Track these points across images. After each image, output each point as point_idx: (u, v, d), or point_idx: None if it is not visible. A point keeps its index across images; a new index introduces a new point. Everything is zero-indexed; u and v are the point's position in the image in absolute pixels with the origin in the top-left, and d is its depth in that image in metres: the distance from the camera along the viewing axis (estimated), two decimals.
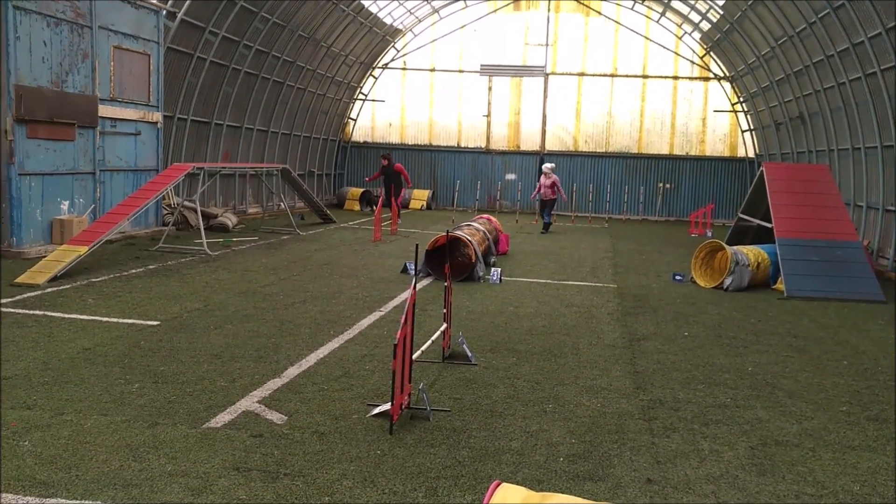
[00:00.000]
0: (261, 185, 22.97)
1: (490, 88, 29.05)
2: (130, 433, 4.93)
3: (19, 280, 10.04)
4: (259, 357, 6.90)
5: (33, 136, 12.86)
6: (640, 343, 8.13)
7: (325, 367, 6.68)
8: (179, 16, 17.04)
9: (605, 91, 28.51)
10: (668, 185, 28.18)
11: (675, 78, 28.03)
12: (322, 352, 7.19)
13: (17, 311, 8.48)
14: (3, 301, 8.90)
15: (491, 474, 4.57)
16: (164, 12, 16.35)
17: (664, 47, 27.86)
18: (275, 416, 5.35)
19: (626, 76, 28.31)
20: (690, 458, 5.00)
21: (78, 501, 3.95)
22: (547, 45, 28.56)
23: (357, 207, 26.78)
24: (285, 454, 4.70)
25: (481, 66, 28.36)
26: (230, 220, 18.08)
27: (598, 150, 28.77)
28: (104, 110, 14.61)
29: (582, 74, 28.55)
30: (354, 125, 30.22)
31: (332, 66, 26.36)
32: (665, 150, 28.40)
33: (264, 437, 4.97)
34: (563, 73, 28.65)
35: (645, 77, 28.24)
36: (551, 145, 29.03)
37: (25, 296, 9.28)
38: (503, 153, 29.23)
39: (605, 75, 28.44)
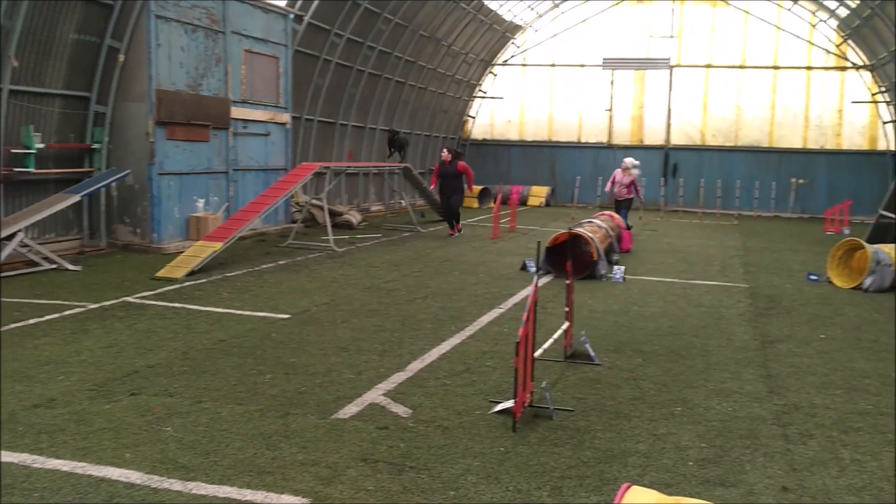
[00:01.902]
0: (383, 184, 23.43)
1: (612, 82, 28.53)
2: (263, 422, 5.12)
3: (159, 274, 10.63)
4: (384, 351, 7.03)
5: (172, 138, 13.59)
6: (774, 345, 7.78)
7: (447, 363, 6.73)
8: (306, 19, 17.59)
9: (733, 83, 27.46)
10: (801, 181, 26.86)
11: (809, 68, 26.68)
12: (444, 347, 7.25)
13: (157, 303, 8.98)
14: (145, 294, 9.44)
15: (617, 476, 4.48)
16: (292, 16, 16.92)
17: (797, 36, 26.57)
18: (400, 409, 5.44)
19: (756, 67, 27.18)
20: (829, 466, 4.74)
21: (216, 486, 4.14)
22: (672, 36, 27.78)
23: (476, 205, 26.87)
24: (410, 447, 4.77)
25: (604, 59, 27.89)
26: (354, 217, 18.53)
27: (726, 145, 27.77)
28: (236, 112, 15.26)
29: (709, 66, 27.62)
30: (473, 123, 30.35)
31: (452, 64, 26.57)
32: (798, 144, 27.09)
33: (390, 429, 5.06)
34: (688, 66, 27.80)
35: (776, 68, 27.02)
36: (677, 139, 28.23)
37: (165, 289, 9.81)
38: (626, 148, 28.64)
39: (733, 67, 27.41)
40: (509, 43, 29.31)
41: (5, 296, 9.07)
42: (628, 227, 16.73)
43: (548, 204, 28.08)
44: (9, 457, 4.46)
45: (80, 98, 12.82)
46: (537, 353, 6.02)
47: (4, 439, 4.72)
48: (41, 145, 11.89)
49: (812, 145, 26.90)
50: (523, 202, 27.71)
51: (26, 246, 10.96)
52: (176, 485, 4.14)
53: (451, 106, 28.30)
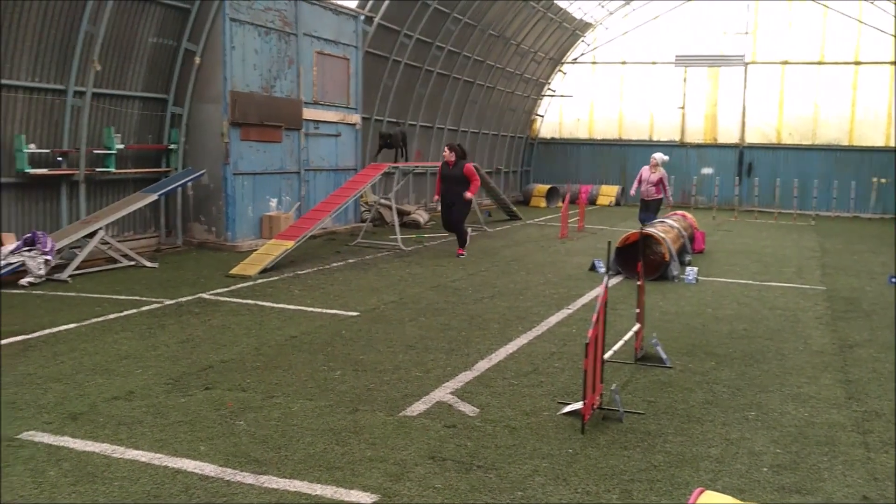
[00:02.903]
0: None
1: (685, 80, 28.00)
2: (333, 418, 5.19)
3: (233, 271, 10.88)
4: (451, 349, 7.05)
5: (246, 139, 13.88)
6: (853, 350, 7.52)
7: (515, 363, 6.71)
8: (376, 20, 17.76)
9: (810, 79, 26.64)
10: (883, 180, 25.86)
11: (894, 64, 25.67)
12: (511, 347, 7.23)
13: (231, 300, 9.19)
14: (219, 290, 9.67)
15: (689, 481, 4.39)
16: (363, 17, 17.10)
17: (880, 30, 25.59)
18: (467, 408, 5.44)
19: (836, 63, 26.30)
20: None
21: (287, 480, 4.21)
22: (746, 33, 27.10)
23: (543, 204, 26.72)
24: (478, 446, 4.77)
25: (676, 56, 27.37)
26: (422, 216, 18.63)
27: (803, 143, 26.95)
28: (308, 113, 15.50)
29: (785, 63, 26.86)
30: (542, 122, 30.18)
31: (520, 63, 26.48)
32: (880, 142, 26.10)
33: (457, 427, 5.07)
34: (764, 62, 27.09)
35: (857, 63, 26.10)
36: (752, 138, 27.54)
37: (239, 286, 10.04)
38: (699, 146, 28.09)
39: (810, 63, 26.58)
40: (579, 41, 29.05)
41: (88, 291, 9.41)
42: None
43: (618, 203, 27.73)
44: (91, 446, 4.62)
45: (158, 100, 13.22)
46: (607, 355, 5.95)
47: (87, 430, 4.89)
48: (121, 146, 12.30)
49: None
50: (592, 201, 27.43)
51: (106, 243, 11.35)
52: (248, 478, 4.23)
53: (519, 105, 28.21)
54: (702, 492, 2.87)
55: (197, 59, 13.28)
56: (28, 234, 10.20)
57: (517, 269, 12.04)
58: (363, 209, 17.73)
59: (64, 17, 11.09)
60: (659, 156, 15.51)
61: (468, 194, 12.98)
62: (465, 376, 6.23)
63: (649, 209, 15.50)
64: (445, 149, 13.25)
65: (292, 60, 14.94)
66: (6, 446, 4.60)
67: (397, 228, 14.56)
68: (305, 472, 4.30)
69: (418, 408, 5.44)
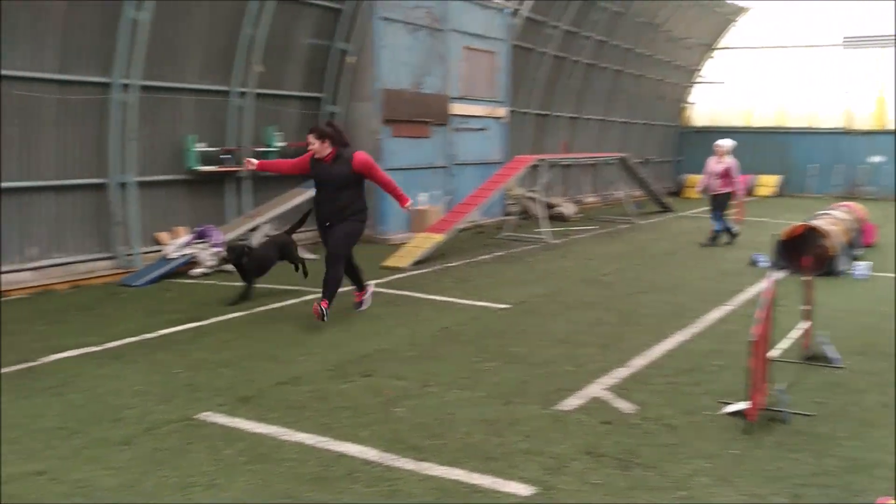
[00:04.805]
0: (598, 175, 23.12)
1: (851, 62, 26.21)
2: (488, 409, 5.23)
3: (386, 263, 11.18)
4: (604, 345, 6.94)
5: (397, 135, 14.21)
6: None
7: (672, 360, 6.52)
8: (523, 13, 17.71)
9: None
10: None
11: None
12: (667, 344, 7.03)
13: (385, 290, 9.44)
14: (374, 282, 9.94)
15: (866, 488, 4.12)
16: (510, 11, 17.10)
17: None
18: (624, 405, 5.34)
19: None
20: None
21: (446, 468, 4.28)
22: None
23: (696, 195, 25.74)
24: (637, 444, 4.66)
25: (844, 38, 25.66)
26: (569, 209, 18.44)
27: None
28: (455, 108, 15.66)
29: None
30: (693, 110, 29.13)
31: (671, 50, 25.67)
32: None
33: (614, 424, 4.98)
34: None
35: None
36: None
37: (392, 278, 10.30)
38: (868, 133, 26.22)
39: None
40: (732, 25, 27.80)
41: (263, 281, 9.92)
42: (730, 234, 13.84)
43: (779, 194, 26.35)
44: (261, 428, 4.88)
45: (314, 99, 13.75)
46: (773, 354, 5.67)
47: (258, 412, 5.17)
48: (282, 144, 12.89)
49: None
50: (750, 192, 26.19)
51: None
52: (409, 464, 4.33)
53: (669, 93, 27.36)
54: (886, 502, 2.69)
55: (351, 59, 13.71)
56: (198, 228, 10.89)
57: (670, 263, 11.70)
58: (509, 202, 17.75)
59: (227, 22, 11.74)
60: (726, 142, 13.90)
61: (408, 202, 7.89)
62: (621, 372, 6.12)
63: (716, 205, 13.72)
64: (309, 136, 7.59)
65: (441, 56, 15.14)
66: (185, 425, 4.93)
67: (544, 221, 14.47)
68: (463, 461, 4.36)
69: (573, 402, 5.38)
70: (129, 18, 10.15)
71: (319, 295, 7.64)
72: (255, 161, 7.88)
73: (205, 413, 5.14)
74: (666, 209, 20.28)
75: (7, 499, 3.90)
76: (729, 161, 13.61)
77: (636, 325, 7.73)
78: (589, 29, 20.57)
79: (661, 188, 22.62)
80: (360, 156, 7.64)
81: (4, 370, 6.11)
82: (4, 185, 9.37)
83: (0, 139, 9.27)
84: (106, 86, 10.29)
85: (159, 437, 4.72)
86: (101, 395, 5.54)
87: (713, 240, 13.77)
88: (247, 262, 8.63)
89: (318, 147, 7.52)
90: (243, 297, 8.61)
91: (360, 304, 8.30)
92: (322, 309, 7.43)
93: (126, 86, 10.40)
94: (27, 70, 9.42)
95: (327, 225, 7.69)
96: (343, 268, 7.74)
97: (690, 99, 28.95)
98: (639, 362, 6.40)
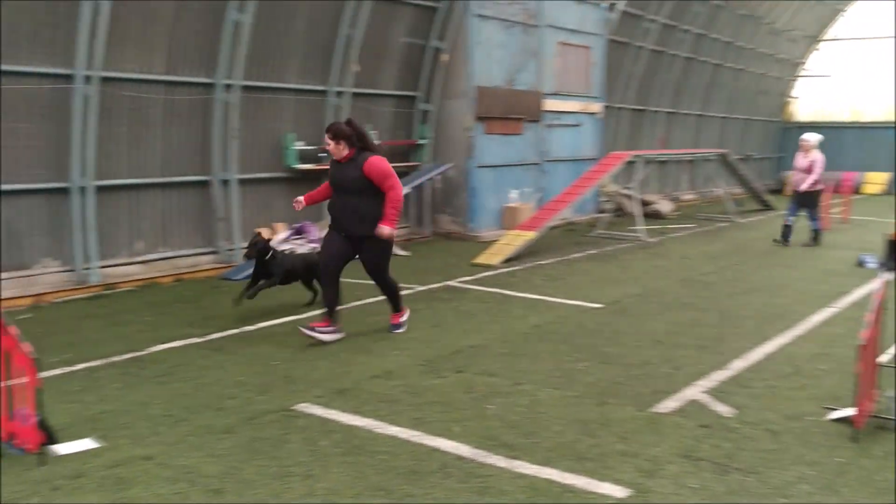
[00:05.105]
0: (696, 171, 22.54)
1: None
2: (581, 409, 5.17)
3: (477, 260, 11.20)
4: (702, 347, 6.76)
5: (489, 132, 14.21)
6: None
7: (773, 363, 6.30)
8: (620, 7, 17.42)
9: None
10: None
11: None
12: (768, 346, 6.79)
13: (476, 287, 9.47)
14: (465, 279, 9.99)
15: None
16: (606, 5, 16.85)
17: None
18: (722, 409, 5.19)
19: None
20: None
21: (539, 467, 4.25)
22: None
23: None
24: (735, 448, 4.53)
25: None
26: (665, 206, 18.06)
27: None
28: (548, 104, 15.54)
29: None
30: (797, 104, 28.03)
31: (773, 43, 24.79)
32: None
33: (712, 428, 4.85)
34: None
35: None
36: None
37: (482, 275, 10.31)
38: None
39: None
40: (839, 15, 26.61)
41: (348, 276, 10.10)
42: (814, 235, 13.01)
43: (888, 192, 25.07)
44: (356, 420, 4.97)
45: (408, 97, 13.89)
46: (883, 359, 5.41)
47: (353, 405, 5.26)
48: (377, 142, 13.05)
49: None
50: (857, 190, 25.04)
51: None
52: (501, 461, 4.33)
53: (771, 87, 26.41)
54: None
55: (444, 57, 13.79)
56: (296, 224, 11.17)
57: (772, 263, 11.30)
58: (603, 199, 17.51)
59: (325, 23, 11.98)
60: (812, 136, 13.15)
61: (384, 226, 6.80)
62: (719, 375, 5.95)
63: (803, 202, 12.95)
64: (326, 134, 6.91)
65: (535, 52, 15.05)
66: (283, 415, 5.07)
67: (639, 219, 14.21)
68: (556, 461, 4.33)
69: (669, 405, 5.27)
70: (232, 20, 10.50)
71: (412, 289, 7.69)
72: (301, 199, 7.17)
73: (302, 404, 5.28)
74: (767, 207, 19.59)
75: (117, 481, 4.10)
76: (815, 156, 12.92)
77: (735, 326, 7.50)
78: (688, 22, 20.07)
79: (762, 185, 21.88)
80: (375, 160, 6.76)
81: (115, 358, 6.43)
82: (115, 182, 9.85)
83: (109, 137, 9.75)
84: (209, 86, 10.67)
85: (259, 427, 4.87)
86: (204, 384, 5.75)
87: (814, 239, 13.14)
88: (271, 261, 7.79)
89: (334, 148, 6.82)
90: (251, 295, 7.77)
91: (396, 326, 7.35)
92: (397, 323, 7.30)
93: (228, 86, 10.76)
94: (136, 72, 9.87)
95: (345, 233, 6.94)
96: (391, 278, 7.27)
97: (794, 93, 27.87)
98: (738, 365, 6.21)
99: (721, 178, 18.77)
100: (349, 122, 6.88)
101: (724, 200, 17.82)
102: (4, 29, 8.58)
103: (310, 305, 8.27)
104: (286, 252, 8.52)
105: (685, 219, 17.32)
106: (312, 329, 6.86)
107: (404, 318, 7.36)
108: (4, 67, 8.67)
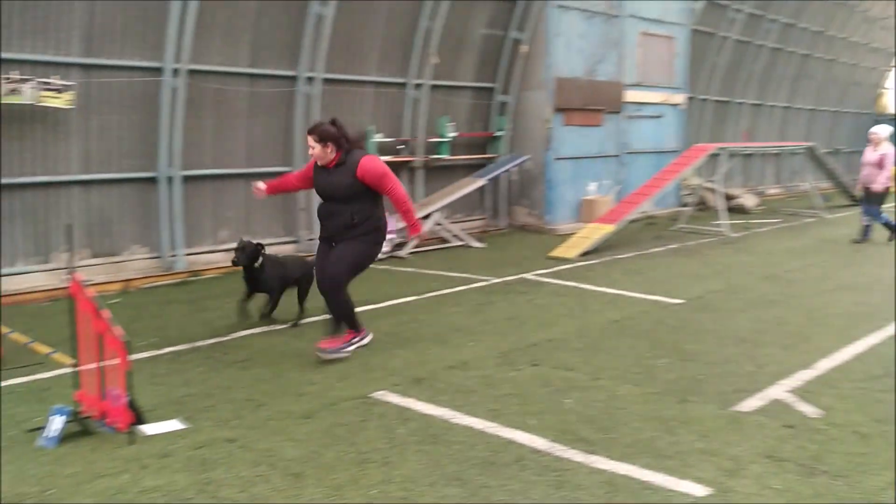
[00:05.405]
0: (782, 165, 21.85)
1: None
2: (660, 406, 5.08)
3: (553, 253, 11.12)
4: (787, 345, 6.55)
5: (568, 124, 14.07)
6: None
7: (863, 364, 6.05)
8: None
9: None
10: None
11: None
12: (858, 346, 6.53)
13: (552, 281, 9.40)
14: (541, 272, 9.93)
15: None
16: None
17: None
18: (808, 409, 5.02)
19: None
20: None
21: (616, 462, 4.20)
22: None
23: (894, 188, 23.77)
24: (822, 450, 4.37)
25: None
26: (749, 201, 17.57)
27: None
28: (629, 95, 15.29)
29: None
30: (890, 96, 26.85)
31: (867, 31, 23.78)
32: None
33: (797, 428, 4.69)
34: None
35: None
36: None
37: (559, 268, 10.23)
38: None
39: None
40: None
41: (424, 267, 10.19)
42: (891, 229, 12.29)
43: None
44: (432, 410, 5.00)
45: (486, 89, 13.86)
46: None
47: (429, 394, 5.30)
48: (454, 134, 13.10)
49: None
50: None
51: (440, 224, 12.18)
52: (577, 456, 4.29)
53: (864, 78, 25.37)
54: None
55: (524, 48, 13.70)
56: None
57: (862, 261, 10.87)
58: (685, 193, 17.14)
59: (405, 15, 12.04)
60: (882, 129, 12.35)
61: (414, 225, 6.36)
62: (804, 375, 5.75)
63: (871, 199, 12.22)
64: (310, 138, 6.02)
65: (616, 43, 14.82)
66: (361, 402, 5.14)
67: (723, 213, 13.85)
68: (634, 457, 4.26)
69: (752, 404, 5.13)
70: (314, 14, 10.66)
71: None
72: (262, 184, 6.45)
73: (379, 392, 5.34)
74: (856, 202, 18.81)
75: (202, 462, 4.22)
76: (886, 149, 12.17)
77: (822, 325, 7.24)
78: (775, 12, 19.43)
79: (851, 180, 21.01)
80: (368, 161, 5.99)
81: (199, 343, 6.63)
82: (201, 172, 10.14)
83: (195, 129, 10.04)
84: (292, 79, 10.87)
85: (338, 413, 4.95)
86: (285, 370, 5.88)
87: (866, 233, 12.44)
88: (262, 267, 6.89)
89: (320, 152, 5.97)
90: (244, 313, 7.00)
91: (331, 350, 6.11)
92: (328, 350, 6.08)
93: (310, 79, 10.94)
94: (221, 65, 10.11)
95: (331, 241, 6.17)
96: (346, 295, 6.17)
97: (887, 84, 26.69)
98: (825, 365, 6.00)
99: (808, 172, 18.15)
100: (334, 122, 6.05)
101: (811, 195, 17.22)
102: (98, 24, 8.92)
103: (296, 326, 7.20)
104: (280, 258, 7.52)
105: (770, 214, 16.82)
106: (331, 350, 6.10)
107: (345, 346, 6.18)
108: (97, 61, 9.02)
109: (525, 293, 8.70)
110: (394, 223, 11.03)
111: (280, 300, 7.20)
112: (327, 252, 6.17)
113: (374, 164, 6.03)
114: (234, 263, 6.89)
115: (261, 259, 6.90)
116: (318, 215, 6.26)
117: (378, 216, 6.14)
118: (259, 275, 6.91)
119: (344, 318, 6.19)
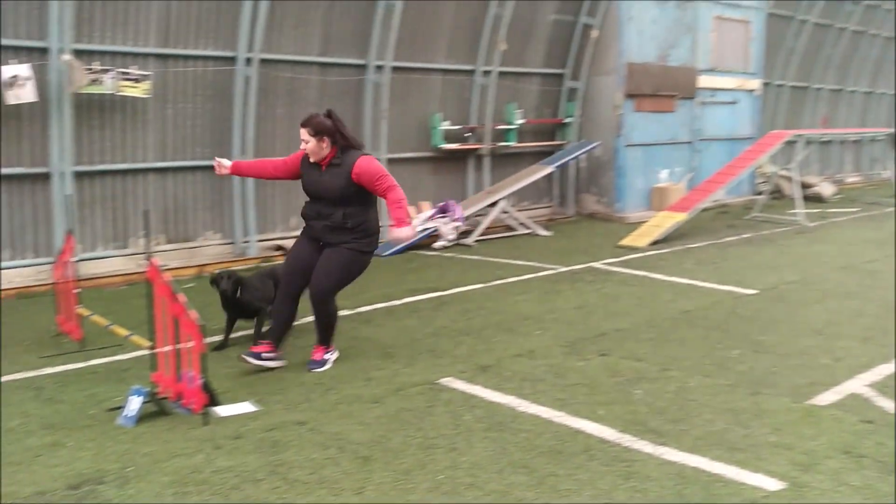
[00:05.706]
0: (862, 152, 21.07)
1: None
2: (732, 398, 4.97)
3: (623, 242, 10.97)
4: (866, 338, 6.33)
5: (639, 110, 13.84)
6: None
7: None
8: None
9: None
10: None
11: None
12: None
13: (621, 270, 9.28)
14: (610, 260, 9.81)
15: None
16: None
17: None
18: (888, 404, 4.84)
19: None
20: None
21: (686, 454, 4.13)
22: None
23: None
24: None
25: None
26: (827, 189, 17.00)
27: None
28: (702, 80, 14.94)
29: None
30: None
31: None
32: None
33: (876, 424, 4.54)
34: None
35: None
36: None
37: (628, 257, 10.09)
38: None
39: None
40: None
41: (490, 255, 10.18)
42: None
43: None
44: (499, 397, 5.00)
45: (555, 75, 13.72)
46: None
47: (495, 382, 5.30)
48: (522, 121, 13.02)
49: None
50: None
51: (506, 212, 12.13)
52: (647, 447, 4.23)
53: None
54: None
55: (594, 33, 13.51)
56: (441, 203, 11.31)
57: None
58: (759, 181, 16.68)
59: (475, 3, 11.98)
60: None
61: (403, 228, 5.67)
62: (884, 369, 5.55)
63: None
64: (303, 131, 5.47)
65: (689, 28, 14.49)
66: (428, 388, 5.17)
67: (799, 202, 13.44)
68: (705, 449, 4.19)
69: (828, 397, 4.97)
70: (383, 3, 10.71)
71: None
72: (227, 162, 5.96)
73: (446, 378, 5.36)
74: None
75: (273, 444, 4.31)
76: None
77: None
78: None
79: None
80: (365, 162, 5.44)
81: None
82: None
83: (267, 117, 10.22)
84: (361, 67, 10.95)
85: (405, 398, 4.99)
86: (353, 355, 5.95)
87: None
88: (243, 295, 6.13)
89: (314, 146, 5.43)
90: (221, 346, 6.19)
91: (317, 363, 5.71)
92: (319, 359, 5.70)
93: (380, 67, 11.00)
94: (292, 54, 10.25)
95: (321, 245, 5.65)
96: (334, 307, 5.73)
97: None
98: None
99: (889, 160, 17.46)
100: (329, 115, 5.50)
101: (893, 183, 16.56)
102: (174, 16, 9.14)
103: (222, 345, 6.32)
104: (260, 273, 6.65)
105: (848, 203, 16.25)
106: (256, 356, 5.58)
107: (330, 355, 5.79)
108: (173, 52, 9.25)
109: (593, 282, 8.61)
110: (459, 210, 11.05)
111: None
112: (312, 252, 5.62)
113: (369, 164, 5.47)
114: (224, 294, 6.05)
115: (239, 287, 6.13)
116: (304, 216, 5.72)
117: (372, 220, 5.65)
118: (243, 299, 6.18)
119: (326, 329, 5.73)
